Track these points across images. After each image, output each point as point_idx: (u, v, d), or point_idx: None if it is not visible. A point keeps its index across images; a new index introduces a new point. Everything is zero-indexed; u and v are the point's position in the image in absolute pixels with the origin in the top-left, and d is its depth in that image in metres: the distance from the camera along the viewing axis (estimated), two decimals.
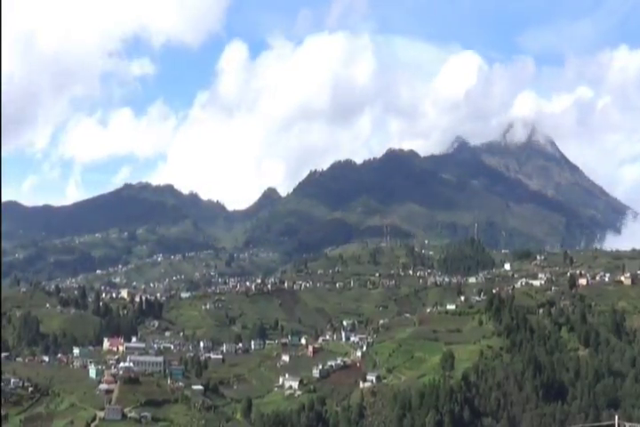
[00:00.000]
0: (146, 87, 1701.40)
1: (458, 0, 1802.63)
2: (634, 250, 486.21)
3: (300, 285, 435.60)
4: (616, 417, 69.25)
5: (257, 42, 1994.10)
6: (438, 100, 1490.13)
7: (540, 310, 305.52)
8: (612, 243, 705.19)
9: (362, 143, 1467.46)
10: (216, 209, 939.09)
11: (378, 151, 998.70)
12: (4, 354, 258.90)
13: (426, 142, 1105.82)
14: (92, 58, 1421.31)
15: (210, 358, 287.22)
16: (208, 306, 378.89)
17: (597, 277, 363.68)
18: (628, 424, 69.11)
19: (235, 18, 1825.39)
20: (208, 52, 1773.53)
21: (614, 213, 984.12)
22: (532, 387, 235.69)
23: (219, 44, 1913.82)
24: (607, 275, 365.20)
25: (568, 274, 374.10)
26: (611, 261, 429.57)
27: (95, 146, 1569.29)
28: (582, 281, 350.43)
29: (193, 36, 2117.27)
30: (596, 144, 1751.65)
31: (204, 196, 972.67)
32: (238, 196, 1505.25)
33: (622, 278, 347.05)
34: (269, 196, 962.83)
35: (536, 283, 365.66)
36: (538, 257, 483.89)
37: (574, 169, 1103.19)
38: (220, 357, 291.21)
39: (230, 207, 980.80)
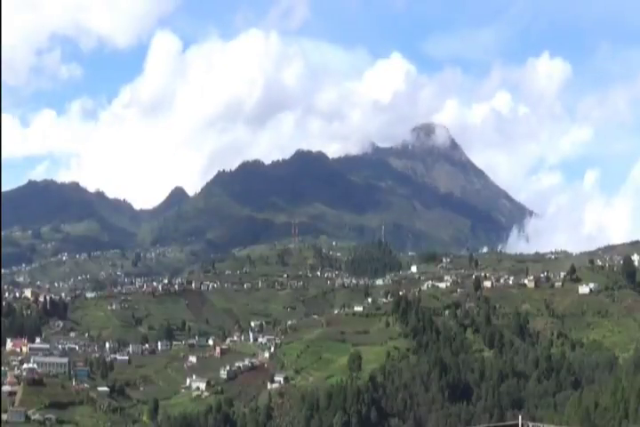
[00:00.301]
0: (72, 85, 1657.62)
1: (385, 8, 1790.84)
2: (537, 253, 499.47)
3: (208, 285, 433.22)
4: (520, 417, 70.92)
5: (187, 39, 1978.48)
6: (358, 103, 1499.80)
7: (446, 312, 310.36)
8: (517, 247, 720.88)
9: (282, 144, 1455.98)
10: (123, 208, 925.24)
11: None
12: None
13: (345, 145, 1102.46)
14: (19, 54, 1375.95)
15: (116, 359, 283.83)
16: (114, 306, 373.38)
17: (502, 280, 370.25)
18: (531, 424, 70.89)
19: (168, 15, 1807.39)
20: (137, 50, 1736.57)
21: (519, 218, 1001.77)
22: (438, 387, 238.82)
23: (148, 43, 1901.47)
24: (511, 278, 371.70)
25: (473, 277, 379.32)
26: (515, 264, 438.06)
27: (13, 144, 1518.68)
28: (487, 284, 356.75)
29: (124, 34, 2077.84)
30: (509, 151, 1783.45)
31: (111, 194, 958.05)
32: (146, 194, 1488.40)
33: (526, 281, 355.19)
34: (177, 195, 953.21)
35: (442, 285, 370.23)
36: (444, 260, 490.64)
37: (480, 174, 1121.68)
38: (127, 358, 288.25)
39: (137, 206, 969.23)
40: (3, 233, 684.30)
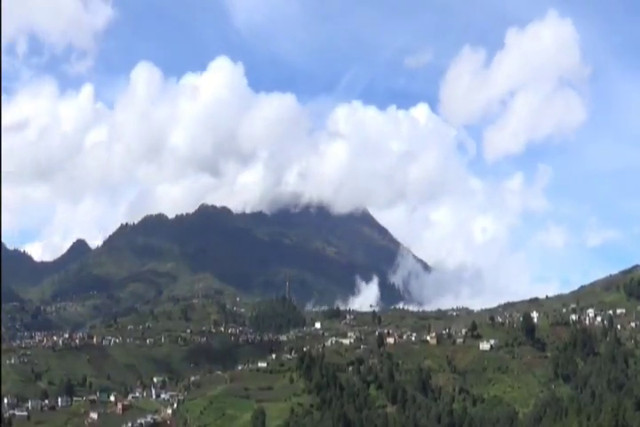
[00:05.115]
0: None
1: None
2: (439, 310, 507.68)
3: (110, 340, 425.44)
4: None
5: None
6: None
7: (350, 368, 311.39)
8: (419, 303, 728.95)
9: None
10: (22, 259, 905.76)
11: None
12: None
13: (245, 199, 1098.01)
14: None
15: (14, 415, 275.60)
16: (13, 361, 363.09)
17: (404, 337, 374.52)
18: None
19: None
20: None
21: (422, 275, 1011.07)
22: None
23: None
24: (414, 334, 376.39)
25: (376, 333, 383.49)
26: (417, 321, 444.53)
27: None
28: (390, 340, 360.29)
29: None
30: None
31: (11, 245, 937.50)
32: (46, 246, 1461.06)
33: (428, 338, 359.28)
34: (79, 247, 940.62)
35: (345, 341, 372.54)
36: (347, 316, 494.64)
37: (383, 231, 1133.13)
38: (26, 414, 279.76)
39: (37, 258, 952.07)
40: None
